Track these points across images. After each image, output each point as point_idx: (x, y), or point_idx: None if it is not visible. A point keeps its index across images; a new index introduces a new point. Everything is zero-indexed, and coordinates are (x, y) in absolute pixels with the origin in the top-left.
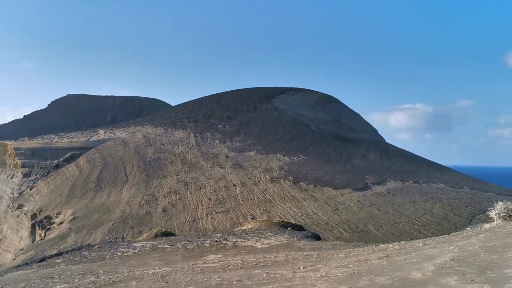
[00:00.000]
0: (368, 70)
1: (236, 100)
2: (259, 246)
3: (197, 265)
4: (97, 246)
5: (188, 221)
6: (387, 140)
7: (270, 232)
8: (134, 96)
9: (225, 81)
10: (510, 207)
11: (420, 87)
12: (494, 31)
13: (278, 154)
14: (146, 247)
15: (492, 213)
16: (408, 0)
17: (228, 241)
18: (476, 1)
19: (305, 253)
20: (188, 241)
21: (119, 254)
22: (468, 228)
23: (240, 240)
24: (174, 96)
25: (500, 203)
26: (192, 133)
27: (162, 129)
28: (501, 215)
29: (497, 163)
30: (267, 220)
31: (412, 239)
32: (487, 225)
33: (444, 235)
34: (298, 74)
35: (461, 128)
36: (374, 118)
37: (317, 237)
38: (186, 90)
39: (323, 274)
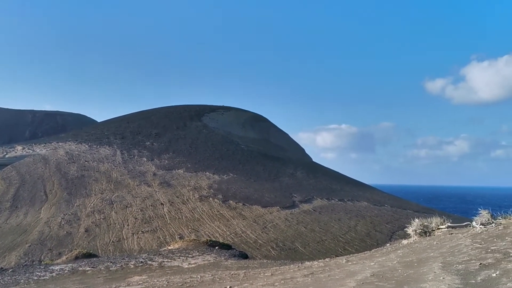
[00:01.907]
0: (297, 90)
1: (165, 117)
2: (186, 266)
3: (120, 287)
4: (11, 270)
5: (112, 242)
6: (314, 159)
7: (198, 251)
8: (57, 111)
9: (154, 97)
10: (426, 224)
11: (345, 108)
12: (414, 59)
13: (207, 172)
14: (65, 270)
15: (410, 230)
16: (337, 23)
17: (154, 261)
18: (396, 31)
19: (232, 272)
20: (111, 262)
21: (35, 278)
22: (388, 244)
23: (167, 260)
24: (101, 112)
25: (417, 220)
26: (118, 150)
27: (87, 146)
28: (417, 231)
29: (415, 182)
30: (195, 239)
31: (337, 256)
32: (405, 241)
33: (366, 252)
34: (228, 93)
35: (383, 148)
36: (301, 138)
37: (244, 256)
38: (114, 106)
39: None
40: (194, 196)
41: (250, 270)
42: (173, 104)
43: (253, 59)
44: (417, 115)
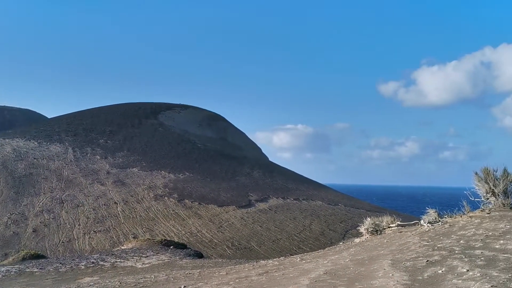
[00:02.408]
0: (255, 90)
1: (120, 114)
2: (140, 266)
3: None
4: None
5: (62, 242)
6: (270, 159)
7: (152, 251)
8: (4, 106)
9: (109, 94)
10: (377, 222)
11: (302, 108)
12: (368, 61)
13: (163, 171)
14: (12, 271)
15: (362, 229)
16: (291, 24)
17: (106, 262)
18: (350, 33)
19: (186, 272)
20: (60, 263)
21: None
22: (341, 243)
23: (120, 260)
24: (51, 108)
25: (369, 219)
26: (70, 147)
27: (36, 143)
28: (369, 230)
29: (369, 182)
30: (149, 239)
31: (291, 255)
32: (357, 240)
33: (320, 250)
34: (185, 91)
35: (338, 148)
36: (258, 137)
37: (199, 255)
38: (65, 101)
39: None
40: (149, 195)
41: (205, 269)
42: (128, 101)
43: (211, 59)
44: (371, 116)
